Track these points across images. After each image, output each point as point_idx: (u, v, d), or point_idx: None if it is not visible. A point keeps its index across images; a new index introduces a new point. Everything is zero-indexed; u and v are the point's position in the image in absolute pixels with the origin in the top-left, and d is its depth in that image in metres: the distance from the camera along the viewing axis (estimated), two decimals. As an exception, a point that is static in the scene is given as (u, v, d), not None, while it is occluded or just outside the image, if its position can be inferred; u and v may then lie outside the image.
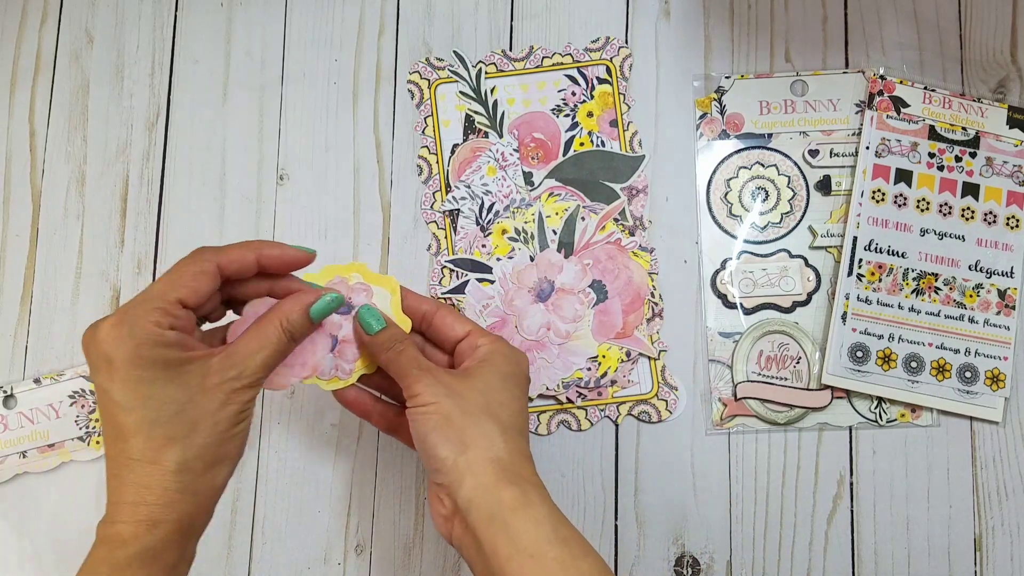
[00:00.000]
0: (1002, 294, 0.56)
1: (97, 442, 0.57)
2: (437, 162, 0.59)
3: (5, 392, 0.58)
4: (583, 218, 0.57)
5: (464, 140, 0.59)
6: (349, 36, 0.61)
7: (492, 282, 0.57)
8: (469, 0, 0.61)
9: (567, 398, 0.56)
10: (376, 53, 0.61)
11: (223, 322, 0.46)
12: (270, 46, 0.62)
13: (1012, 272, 0.56)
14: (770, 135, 0.58)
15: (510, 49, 0.60)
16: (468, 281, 0.57)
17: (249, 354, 0.42)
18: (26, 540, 0.57)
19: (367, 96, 0.60)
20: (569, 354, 0.56)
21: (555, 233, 0.57)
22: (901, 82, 0.57)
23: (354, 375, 0.48)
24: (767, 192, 0.58)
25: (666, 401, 0.56)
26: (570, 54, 0.59)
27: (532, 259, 0.57)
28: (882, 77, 0.57)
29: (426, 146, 0.59)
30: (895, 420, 0.56)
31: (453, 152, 0.59)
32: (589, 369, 0.56)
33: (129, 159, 0.61)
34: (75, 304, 0.59)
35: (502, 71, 0.60)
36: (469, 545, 0.43)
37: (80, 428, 0.57)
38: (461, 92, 0.59)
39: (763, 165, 0.58)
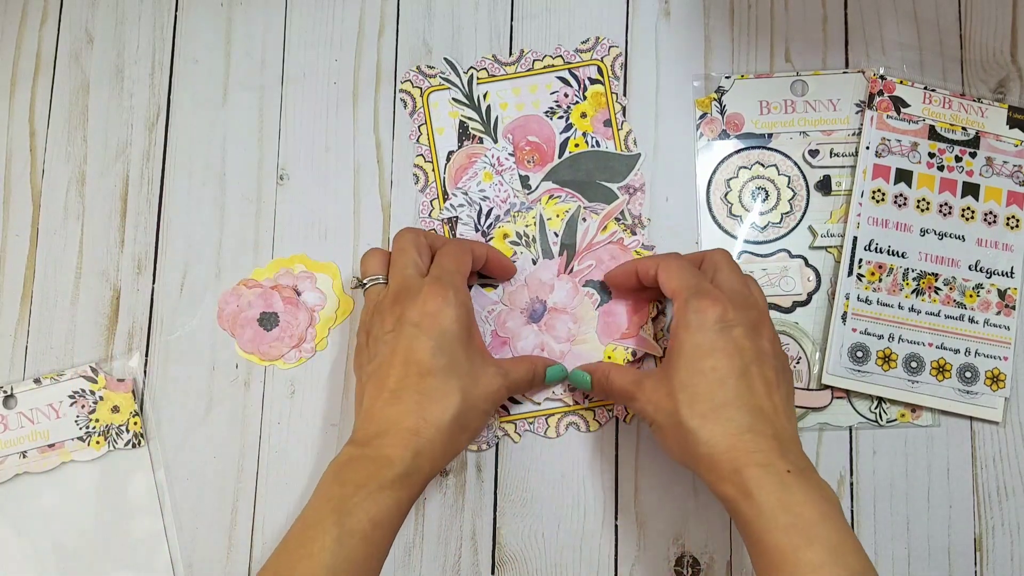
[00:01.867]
0: (1002, 294, 0.56)
1: (97, 442, 0.57)
2: (433, 170, 0.59)
3: (5, 392, 0.58)
4: (584, 219, 0.57)
5: (459, 147, 0.59)
6: (349, 36, 0.61)
7: (495, 287, 0.57)
8: (469, 0, 0.61)
9: (574, 400, 0.56)
10: (376, 53, 0.61)
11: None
12: (270, 46, 0.62)
13: (1012, 272, 0.56)
14: (770, 135, 0.58)
15: (510, 49, 0.60)
16: (472, 287, 0.57)
17: (517, 373, 0.51)
18: (26, 540, 0.57)
19: (367, 96, 0.60)
20: (576, 358, 0.55)
21: (556, 236, 0.57)
22: (901, 82, 0.57)
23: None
24: (767, 192, 0.58)
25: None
26: (560, 56, 0.59)
27: (535, 262, 0.57)
28: (882, 77, 0.57)
29: (421, 154, 0.59)
30: (895, 420, 0.56)
31: (448, 159, 0.59)
32: None
33: (129, 159, 0.61)
34: (75, 304, 0.59)
35: (494, 76, 0.60)
36: None
37: (80, 428, 0.57)
38: (454, 99, 0.59)
39: (763, 165, 0.58)
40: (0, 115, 0.62)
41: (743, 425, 0.44)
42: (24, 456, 0.57)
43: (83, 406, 0.57)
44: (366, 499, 0.44)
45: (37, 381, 0.58)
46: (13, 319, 0.60)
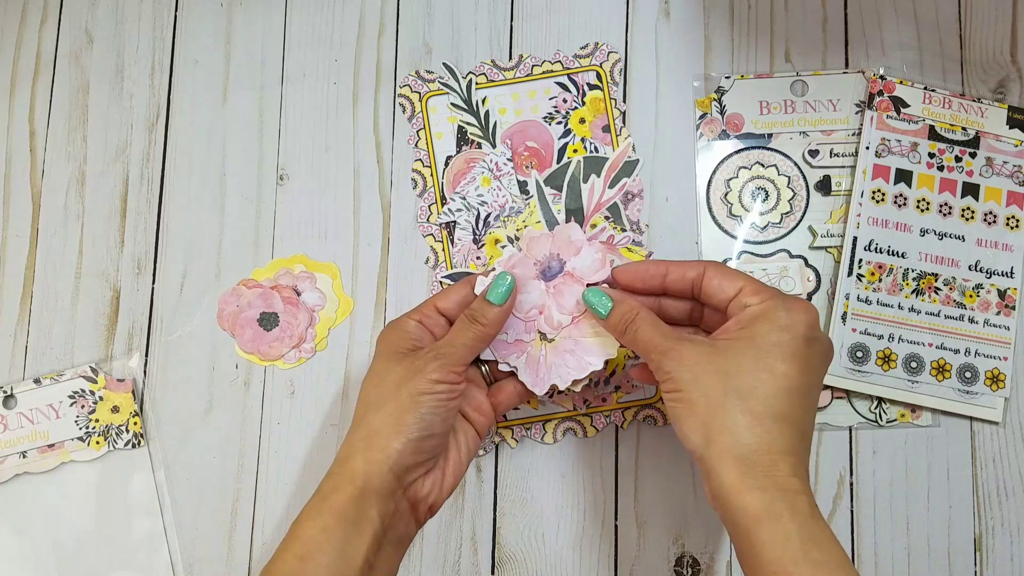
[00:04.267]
0: (1002, 294, 0.56)
1: (97, 442, 0.57)
2: (432, 175, 0.59)
3: (5, 392, 0.58)
4: (586, 180, 0.53)
5: (457, 151, 0.59)
6: (349, 36, 0.61)
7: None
8: (469, 1, 0.61)
9: (574, 405, 0.56)
10: (376, 53, 0.61)
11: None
12: (270, 46, 0.62)
13: (1012, 272, 0.56)
14: (770, 135, 0.58)
15: (510, 49, 0.60)
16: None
17: (447, 343, 0.47)
18: (26, 540, 0.57)
19: (367, 96, 0.60)
20: (585, 352, 0.49)
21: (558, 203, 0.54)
22: (901, 82, 0.57)
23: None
24: (767, 192, 0.58)
25: (666, 402, 0.56)
26: (560, 61, 0.59)
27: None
28: (882, 77, 0.57)
29: (419, 159, 0.59)
30: (895, 420, 0.56)
31: (447, 164, 0.59)
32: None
33: (129, 159, 0.61)
34: (75, 304, 0.59)
35: (492, 81, 0.60)
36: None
37: (80, 428, 0.57)
38: (452, 104, 0.59)
39: (763, 165, 0.58)
40: (0, 115, 0.62)
41: (792, 445, 0.40)
42: (24, 456, 0.57)
43: (83, 406, 0.57)
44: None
45: (37, 381, 0.58)
46: (13, 319, 0.60)
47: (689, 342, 0.43)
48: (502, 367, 0.51)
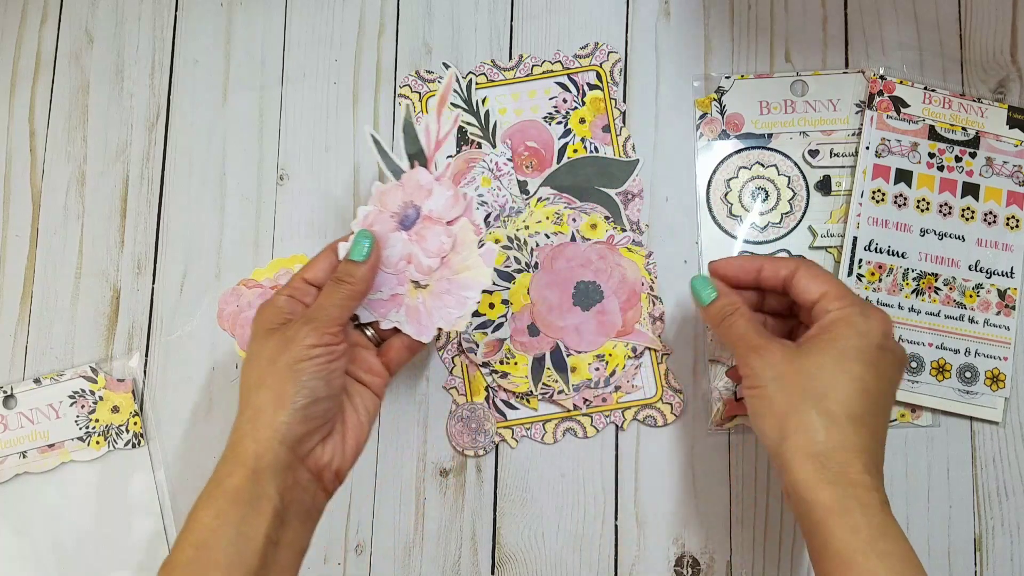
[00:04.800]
0: (1002, 294, 0.56)
1: (97, 442, 0.57)
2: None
3: (5, 392, 0.58)
4: (416, 120, 0.50)
5: (457, 151, 0.59)
6: (349, 36, 0.61)
7: (490, 293, 0.57)
8: (469, 1, 0.61)
9: (574, 404, 0.56)
10: (376, 53, 0.61)
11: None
12: (270, 46, 0.62)
13: (1012, 272, 0.56)
14: (770, 135, 0.58)
15: (510, 49, 0.60)
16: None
17: (316, 307, 0.47)
18: (26, 540, 0.57)
19: (367, 96, 0.60)
20: (461, 288, 0.49)
21: (402, 157, 0.50)
22: (901, 82, 0.57)
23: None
24: (767, 192, 0.58)
25: (671, 405, 0.56)
26: (559, 61, 0.59)
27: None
28: (882, 77, 0.57)
29: None
30: (895, 420, 0.56)
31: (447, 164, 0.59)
32: (597, 369, 0.56)
33: (129, 159, 0.61)
34: (75, 304, 0.59)
35: (492, 81, 0.60)
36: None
37: (80, 428, 0.57)
38: (452, 104, 0.59)
39: (763, 165, 0.58)
40: (0, 115, 0.62)
41: (865, 444, 0.42)
42: (24, 456, 0.57)
43: (83, 406, 0.57)
44: None
45: (37, 381, 0.58)
46: (13, 319, 0.60)
47: (778, 343, 0.44)
48: (384, 325, 0.50)
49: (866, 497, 0.40)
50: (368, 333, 0.51)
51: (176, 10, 0.62)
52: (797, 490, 0.41)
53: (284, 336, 0.45)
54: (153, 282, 0.60)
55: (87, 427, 0.57)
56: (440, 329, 0.50)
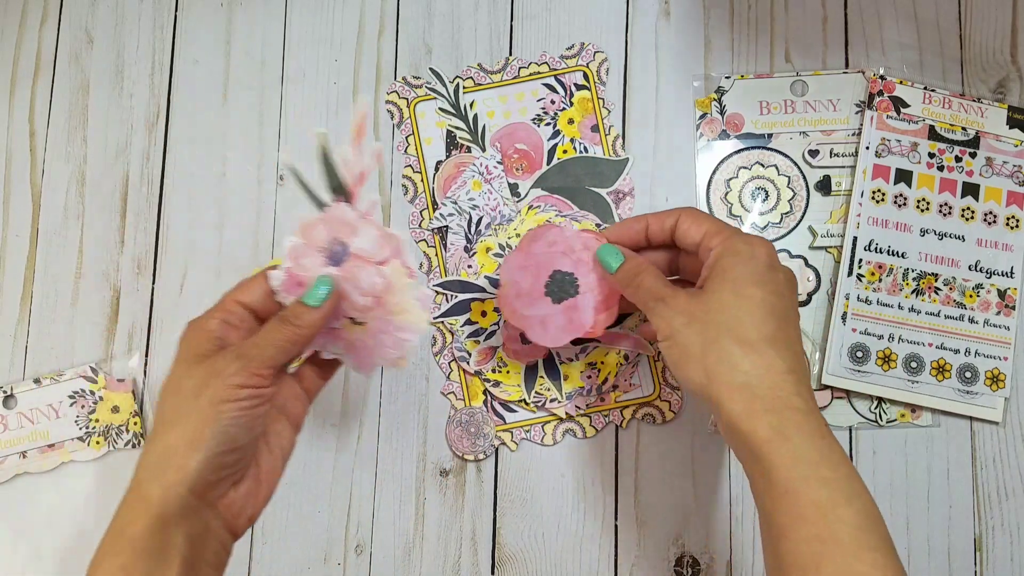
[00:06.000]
0: (1002, 294, 0.56)
1: (97, 442, 0.57)
2: (422, 180, 0.59)
3: (5, 392, 0.58)
4: (333, 150, 0.45)
5: (447, 156, 0.59)
6: (349, 36, 0.61)
7: (482, 301, 0.57)
8: (469, 1, 0.61)
9: (566, 413, 0.56)
10: (376, 53, 0.61)
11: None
12: (270, 46, 0.62)
13: (1012, 272, 0.56)
14: (770, 135, 0.58)
15: (510, 50, 0.60)
16: (457, 301, 0.57)
17: (252, 343, 0.43)
18: (26, 540, 0.57)
19: (367, 96, 0.60)
20: (398, 330, 0.46)
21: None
22: (901, 82, 0.57)
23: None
24: (767, 192, 0.58)
25: (669, 402, 0.56)
26: (546, 63, 0.59)
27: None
28: (882, 77, 0.57)
29: (410, 165, 0.59)
30: (895, 420, 0.56)
31: (437, 169, 0.59)
32: (589, 377, 0.56)
33: (129, 159, 0.61)
34: (75, 304, 0.59)
35: (480, 84, 0.59)
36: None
37: (80, 428, 0.57)
38: (440, 109, 0.59)
39: (763, 165, 0.58)
40: (0, 115, 0.62)
41: (788, 365, 0.41)
42: (24, 456, 0.57)
43: (83, 406, 0.57)
44: None
45: (37, 381, 0.58)
46: (13, 319, 0.60)
47: (682, 290, 0.44)
48: (326, 355, 0.47)
49: (803, 422, 0.39)
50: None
51: (176, 10, 0.62)
52: (733, 424, 0.40)
53: (211, 368, 0.41)
54: (153, 282, 0.60)
55: (87, 427, 0.57)
56: (380, 367, 0.47)
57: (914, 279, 0.56)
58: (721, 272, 0.43)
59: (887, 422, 0.56)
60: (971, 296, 0.56)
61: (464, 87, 0.59)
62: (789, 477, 0.38)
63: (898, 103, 0.57)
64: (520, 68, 0.59)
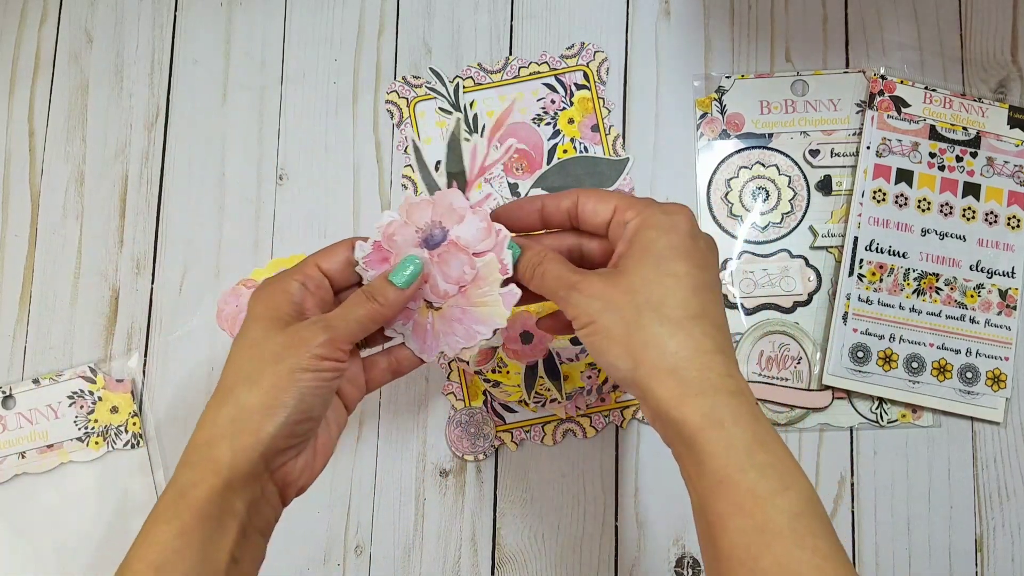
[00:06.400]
0: (1003, 294, 0.56)
1: (96, 443, 0.57)
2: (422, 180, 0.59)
3: (4, 392, 0.58)
4: (467, 137, 0.46)
5: (447, 156, 0.59)
6: (349, 36, 0.61)
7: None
8: (469, 1, 0.61)
9: (566, 413, 0.56)
10: (376, 53, 0.61)
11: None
12: (270, 46, 0.61)
13: (1013, 272, 0.56)
14: (771, 135, 0.58)
15: (510, 49, 0.60)
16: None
17: (338, 316, 0.42)
18: (25, 540, 0.57)
19: (367, 96, 0.60)
20: (473, 321, 0.46)
21: (438, 167, 0.47)
22: (902, 82, 0.57)
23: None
24: (768, 192, 0.58)
25: (667, 401, 0.56)
26: (546, 62, 0.59)
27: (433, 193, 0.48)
28: (883, 77, 0.57)
29: (410, 164, 0.59)
30: (896, 420, 0.56)
31: (437, 169, 0.59)
32: (590, 377, 0.56)
33: (129, 159, 0.61)
34: (74, 304, 0.59)
35: (480, 84, 0.59)
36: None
37: (79, 428, 0.57)
38: (440, 108, 0.59)
39: (764, 165, 0.58)
40: (0, 115, 0.62)
41: (717, 344, 0.39)
42: (23, 457, 0.57)
43: (82, 406, 0.57)
44: None
45: (36, 381, 0.58)
46: (12, 319, 0.59)
47: (595, 273, 0.41)
48: (388, 333, 0.46)
49: (736, 405, 0.37)
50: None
51: (176, 10, 0.62)
52: (662, 411, 0.38)
53: (296, 336, 0.41)
54: (152, 282, 0.59)
55: (86, 427, 0.57)
56: (443, 352, 0.47)
57: (915, 279, 0.56)
58: (643, 248, 0.40)
59: (888, 422, 0.56)
60: (972, 296, 0.56)
61: (464, 87, 0.59)
62: (724, 465, 0.36)
63: (899, 103, 0.57)
64: (520, 68, 0.59)
